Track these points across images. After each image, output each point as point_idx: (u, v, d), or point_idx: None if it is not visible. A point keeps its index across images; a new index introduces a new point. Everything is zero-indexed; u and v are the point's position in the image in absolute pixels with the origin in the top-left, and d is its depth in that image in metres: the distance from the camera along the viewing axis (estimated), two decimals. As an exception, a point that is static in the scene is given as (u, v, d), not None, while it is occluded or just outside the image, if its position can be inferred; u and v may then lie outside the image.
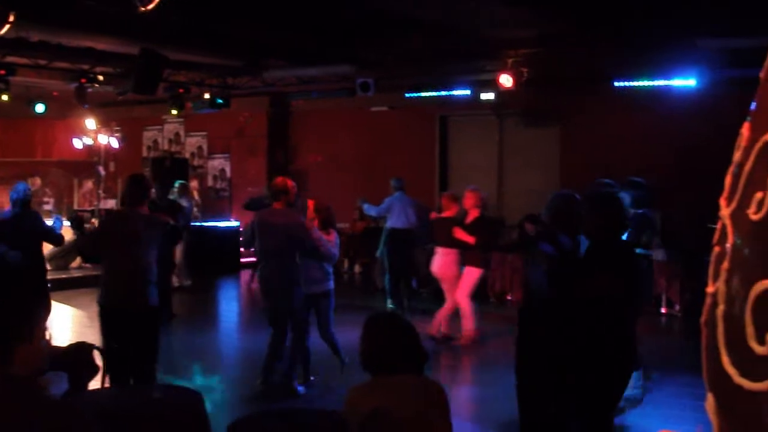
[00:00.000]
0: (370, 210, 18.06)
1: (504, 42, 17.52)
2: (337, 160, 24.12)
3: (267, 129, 25.93)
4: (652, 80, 17.92)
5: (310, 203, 11.49)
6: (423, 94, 20.71)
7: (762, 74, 2.89)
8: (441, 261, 14.26)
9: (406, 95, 21.03)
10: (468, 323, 14.09)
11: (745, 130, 2.84)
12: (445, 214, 14.47)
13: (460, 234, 13.68)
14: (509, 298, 18.05)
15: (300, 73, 20.79)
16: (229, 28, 16.75)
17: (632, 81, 18.15)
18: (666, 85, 17.84)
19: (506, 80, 18.19)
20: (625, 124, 19.52)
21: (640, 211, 10.88)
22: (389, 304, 16.94)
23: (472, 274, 14.03)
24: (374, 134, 23.83)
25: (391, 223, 17.58)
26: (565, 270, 7.13)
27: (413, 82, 20.75)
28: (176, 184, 19.48)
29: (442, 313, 14.16)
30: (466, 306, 14.07)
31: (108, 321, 9.04)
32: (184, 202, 18.18)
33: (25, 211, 12.26)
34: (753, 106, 2.87)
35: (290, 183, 10.96)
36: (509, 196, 21.72)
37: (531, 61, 18.21)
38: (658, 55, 17.18)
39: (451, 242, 13.88)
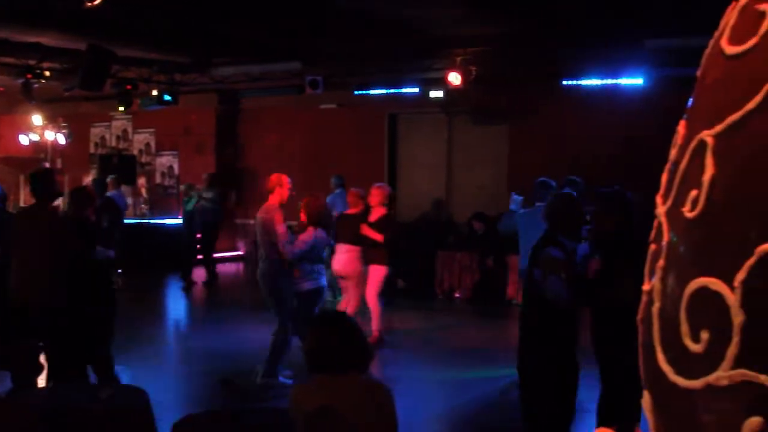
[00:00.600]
0: None
1: (453, 40, 17.58)
2: (287, 157, 24.06)
3: (215, 126, 25.83)
4: (601, 79, 18.04)
5: (303, 201, 11.46)
6: (372, 91, 20.74)
7: (699, 72, 2.91)
8: (345, 258, 14.02)
9: (355, 93, 21.05)
10: (375, 324, 13.89)
11: (681, 128, 2.86)
12: (351, 211, 14.35)
13: (368, 231, 13.57)
14: (457, 295, 18.08)
15: (249, 70, 20.72)
16: (178, 24, 16.66)
17: (581, 80, 18.27)
18: (614, 84, 17.96)
19: (455, 78, 18.25)
20: (573, 123, 19.63)
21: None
22: (330, 298, 16.88)
23: (378, 273, 13.84)
24: (323, 132, 23.82)
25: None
26: (587, 276, 7.17)
27: (362, 79, 20.76)
28: (107, 179, 19.36)
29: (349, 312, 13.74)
30: (374, 306, 13.88)
31: (13, 319, 8.90)
32: (109, 195, 18.03)
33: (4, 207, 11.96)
34: (689, 104, 2.89)
35: (285, 178, 11.01)
36: (458, 194, 21.78)
37: (480, 60, 18.28)
38: (606, 54, 17.30)
39: (356, 239, 13.76)
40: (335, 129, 23.57)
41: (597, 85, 18.20)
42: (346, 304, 13.94)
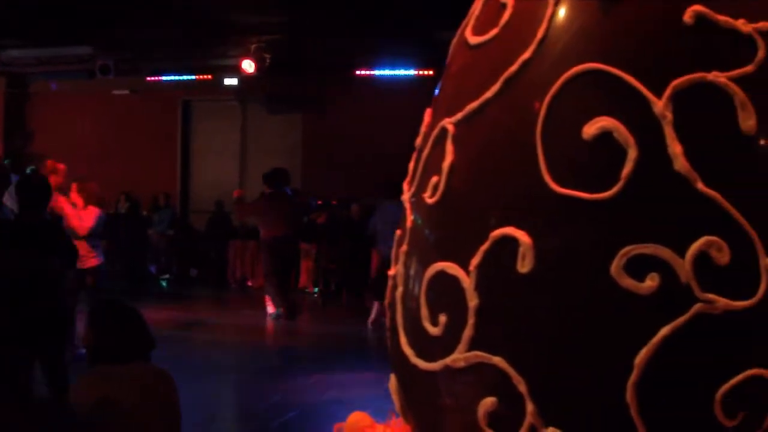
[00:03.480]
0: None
1: (247, 27, 17.47)
2: (78, 144, 23.48)
3: (3, 111, 24.99)
4: (394, 70, 18.22)
5: (74, 185, 11.32)
6: (164, 78, 20.42)
7: (447, 61, 2.96)
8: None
9: (148, 79, 20.69)
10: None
11: (427, 115, 2.92)
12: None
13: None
14: (250, 284, 18.00)
15: (38, 54, 20.14)
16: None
17: (374, 70, 18.40)
18: (407, 75, 18.16)
19: (249, 66, 18.12)
20: (366, 112, 19.72)
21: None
22: None
23: None
24: (116, 118, 23.27)
25: None
26: None
27: (155, 65, 20.42)
28: None
29: None
30: None
31: None
32: None
33: None
34: (436, 92, 2.94)
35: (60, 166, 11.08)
36: (252, 183, 21.64)
37: (274, 48, 18.20)
38: (399, 45, 17.49)
39: None
40: (128, 115, 23.06)
41: (390, 75, 18.36)
42: None
